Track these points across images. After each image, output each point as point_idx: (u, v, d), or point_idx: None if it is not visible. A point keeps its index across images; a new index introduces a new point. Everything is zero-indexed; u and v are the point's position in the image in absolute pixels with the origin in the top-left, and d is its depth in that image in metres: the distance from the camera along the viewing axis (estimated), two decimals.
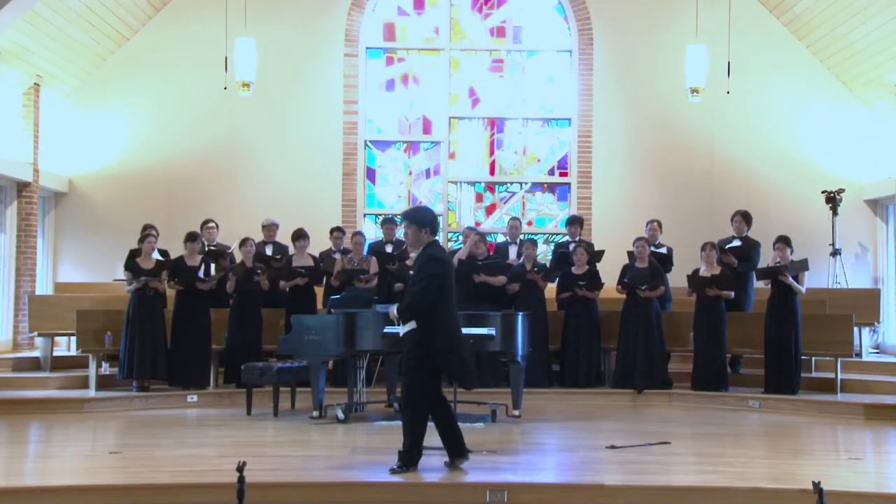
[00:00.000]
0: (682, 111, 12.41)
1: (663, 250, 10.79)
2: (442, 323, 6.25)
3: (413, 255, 6.45)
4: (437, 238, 6.53)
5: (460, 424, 6.52)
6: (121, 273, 10.10)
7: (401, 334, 6.42)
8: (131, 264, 9.82)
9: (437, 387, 6.39)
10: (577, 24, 12.79)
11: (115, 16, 11.88)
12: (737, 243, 10.52)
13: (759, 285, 10.35)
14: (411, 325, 6.28)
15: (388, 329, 7.77)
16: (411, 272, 6.56)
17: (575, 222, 11.08)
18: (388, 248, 10.77)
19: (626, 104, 12.69)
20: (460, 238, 11.44)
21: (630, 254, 10.50)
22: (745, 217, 10.65)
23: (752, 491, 5.86)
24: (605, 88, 12.72)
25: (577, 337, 10.14)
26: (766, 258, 10.65)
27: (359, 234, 10.64)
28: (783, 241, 9.76)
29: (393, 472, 6.16)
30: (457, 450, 6.35)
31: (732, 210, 11.44)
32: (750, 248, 10.48)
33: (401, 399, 6.45)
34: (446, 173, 12.92)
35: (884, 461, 7.26)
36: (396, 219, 12.02)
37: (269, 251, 10.78)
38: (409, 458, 6.25)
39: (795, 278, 9.56)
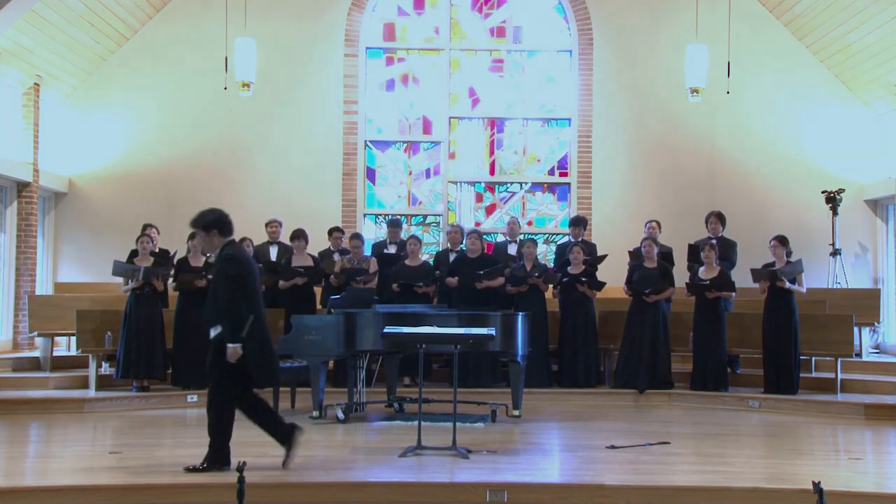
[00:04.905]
0: (682, 111, 12.41)
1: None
2: (250, 323, 6.17)
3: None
4: (232, 237, 6.42)
5: (460, 424, 6.52)
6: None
7: (211, 336, 6.28)
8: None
9: (245, 385, 6.32)
10: (577, 24, 12.79)
11: (115, 16, 11.88)
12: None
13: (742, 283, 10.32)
14: (219, 328, 6.19)
15: (387, 329, 7.74)
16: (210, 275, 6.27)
17: (578, 224, 11.07)
18: (392, 249, 10.77)
19: (626, 104, 12.69)
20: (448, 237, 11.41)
21: (630, 253, 10.50)
22: (719, 218, 10.67)
23: (752, 491, 5.87)
24: (605, 88, 12.72)
25: (573, 337, 10.13)
26: (747, 257, 10.68)
27: (357, 236, 10.61)
28: (778, 240, 9.76)
29: (191, 470, 6.15)
30: (285, 434, 6.31)
31: (733, 210, 11.48)
32: (727, 248, 10.48)
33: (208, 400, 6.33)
34: (446, 173, 12.92)
35: (884, 461, 7.27)
36: (402, 219, 12.08)
37: (272, 252, 10.77)
38: (218, 457, 6.25)
39: (793, 280, 9.56)
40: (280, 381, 6.64)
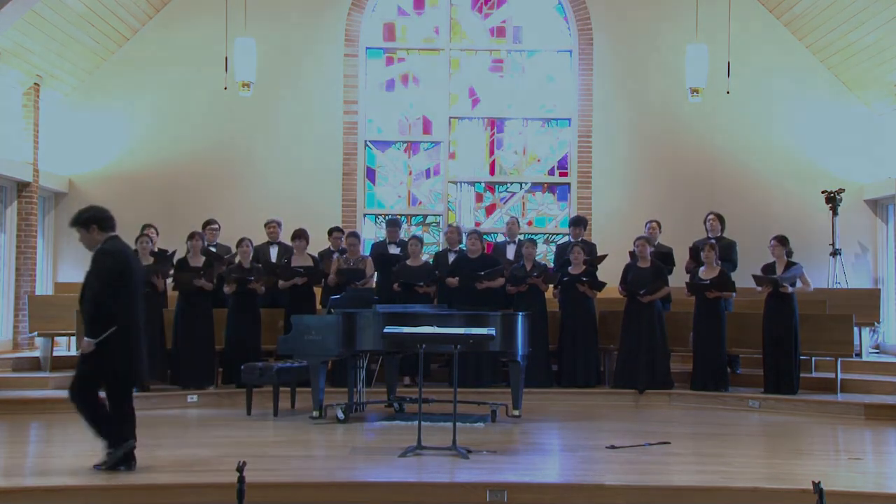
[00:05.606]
0: (682, 111, 12.41)
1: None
2: (119, 319, 6.13)
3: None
4: (114, 233, 6.33)
5: (460, 424, 6.52)
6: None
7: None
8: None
9: (97, 384, 6.35)
10: (577, 24, 12.79)
11: (115, 16, 11.88)
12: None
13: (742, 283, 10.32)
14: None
15: (387, 329, 7.74)
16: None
17: (578, 224, 11.05)
18: (394, 250, 10.76)
19: (626, 104, 12.69)
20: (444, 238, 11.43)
21: (631, 254, 10.49)
22: (718, 218, 10.67)
23: (752, 491, 5.86)
24: (605, 88, 12.72)
25: (573, 337, 10.13)
26: (747, 257, 10.68)
27: (353, 235, 10.61)
28: (778, 240, 9.73)
29: (100, 466, 6.16)
30: (118, 440, 6.26)
31: (733, 210, 11.47)
32: (727, 249, 10.47)
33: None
34: (446, 173, 12.92)
35: (884, 461, 7.26)
36: (402, 219, 12.09)
37: (273, 252, 10.76)
38: (116, 438, 6.24)
39: (793, 283, 9.54)
40: (142, 383, 6.60)
